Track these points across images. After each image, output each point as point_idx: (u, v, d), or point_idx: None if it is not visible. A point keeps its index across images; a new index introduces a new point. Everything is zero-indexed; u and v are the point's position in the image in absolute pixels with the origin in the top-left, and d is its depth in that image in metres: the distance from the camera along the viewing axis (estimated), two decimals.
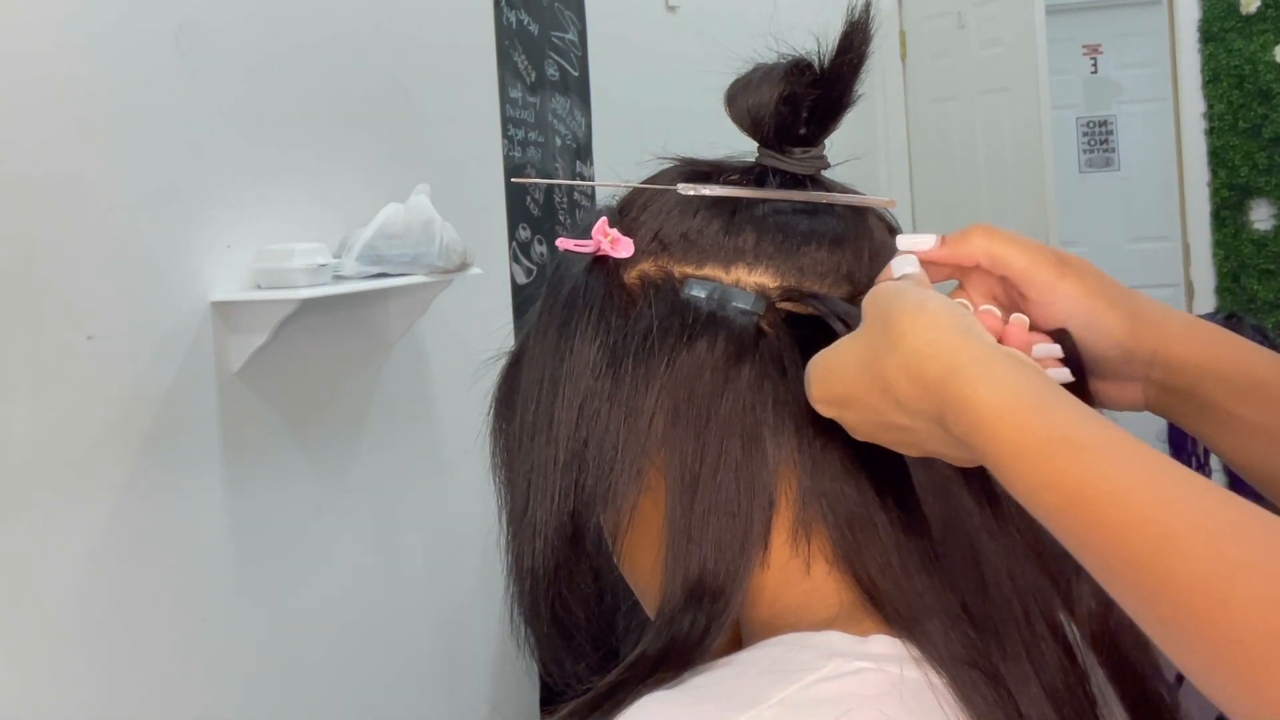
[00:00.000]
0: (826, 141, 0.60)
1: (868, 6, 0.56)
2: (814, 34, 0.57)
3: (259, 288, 1.46)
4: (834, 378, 0.50)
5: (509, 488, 0.59)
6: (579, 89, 2.47)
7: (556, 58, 2.38)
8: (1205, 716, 0.52)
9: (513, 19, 2.20)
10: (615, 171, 0.65)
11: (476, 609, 1.99)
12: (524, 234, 2.23)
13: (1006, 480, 0.44)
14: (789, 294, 0.56)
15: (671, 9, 2.85)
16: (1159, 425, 0.62)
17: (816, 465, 0.53)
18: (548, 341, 0.58)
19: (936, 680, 0.48)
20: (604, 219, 0.59)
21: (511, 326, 1.93)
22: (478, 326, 1.95)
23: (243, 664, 1.47)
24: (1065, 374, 0.53)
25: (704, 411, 0.53)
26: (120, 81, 1.32)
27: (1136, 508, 0.39)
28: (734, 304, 0.55)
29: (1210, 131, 4.15)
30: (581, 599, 0.57)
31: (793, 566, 0.54)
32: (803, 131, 0.58)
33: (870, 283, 0.56)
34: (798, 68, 0.57)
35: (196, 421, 1.41)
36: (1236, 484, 0.56)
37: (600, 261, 0.58)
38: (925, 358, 0.46)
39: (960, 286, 0.58)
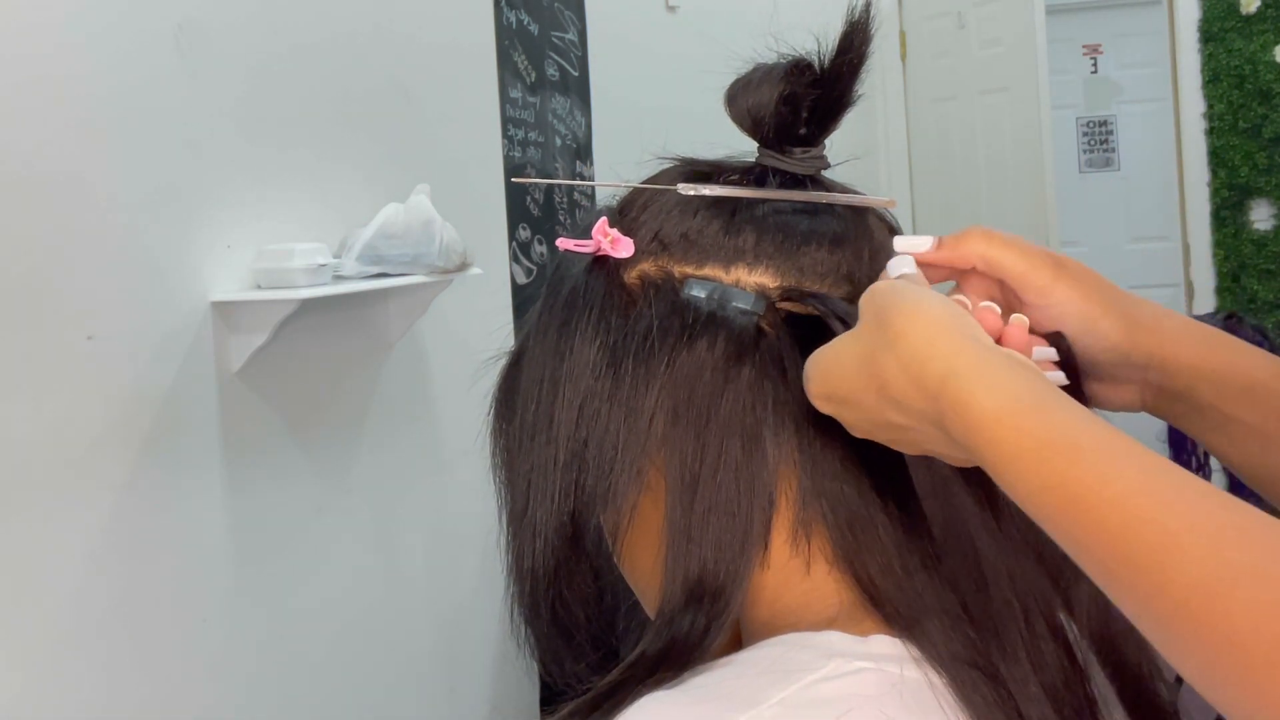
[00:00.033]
0: (826, 141, 0.60)
1: (868, 6, 0.56)
2: (814, 34, 0.57)
3: (259, 288, 1.46)
4: (832, 375, 0.50)
5: (509, 488, 0.59)
6: (579, 89, 2.47)
7: (556, 58, 2.38)
8: (1205, 718, 0.52)
9: (513, 19, 2.20)
10: (615, 171, 0.65)
11: (476, 609, 1.99)
12: (524, 234, 2.23)
13: (1004, 483, 0.44)
14: (789, 294, 0.56)
15: (671, 9, 2.85)
16: (1159, 425, 0.62)
17: (816, 465, 0.53)
18: (548, 341, 0.58)
19: (936, 680, 0.48)
20: (604, 219, 0.59)
21: (511, 326, 1.93)
22: (478, 326, 1.95)
23: (243, 664, 1.47)
24: (1060, 377, 0.53)
25: (704, 411, 0.53)
26: (120, 81, 1.32)
27: (1135, 510, 0.39)
28: (734, 304, 0.55)
29: (1210, 131, 4.15)
30: (581, 599, 0.57)
31: (793, 566, 0.54)
32: (803, 131, 0.58)
33: (870, 283, 0.56)
34: (798, 68, 0.57)
35: (196, 421, 1.41)
36: (1236, 484, 0.56)
37: (600, 261, 0.58)
38: (923, 359, 0.46)
39: (957, 287, 0.58)
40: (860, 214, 0.60)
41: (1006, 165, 3.89)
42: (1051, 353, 0.54)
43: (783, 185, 0.59)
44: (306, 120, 1.62)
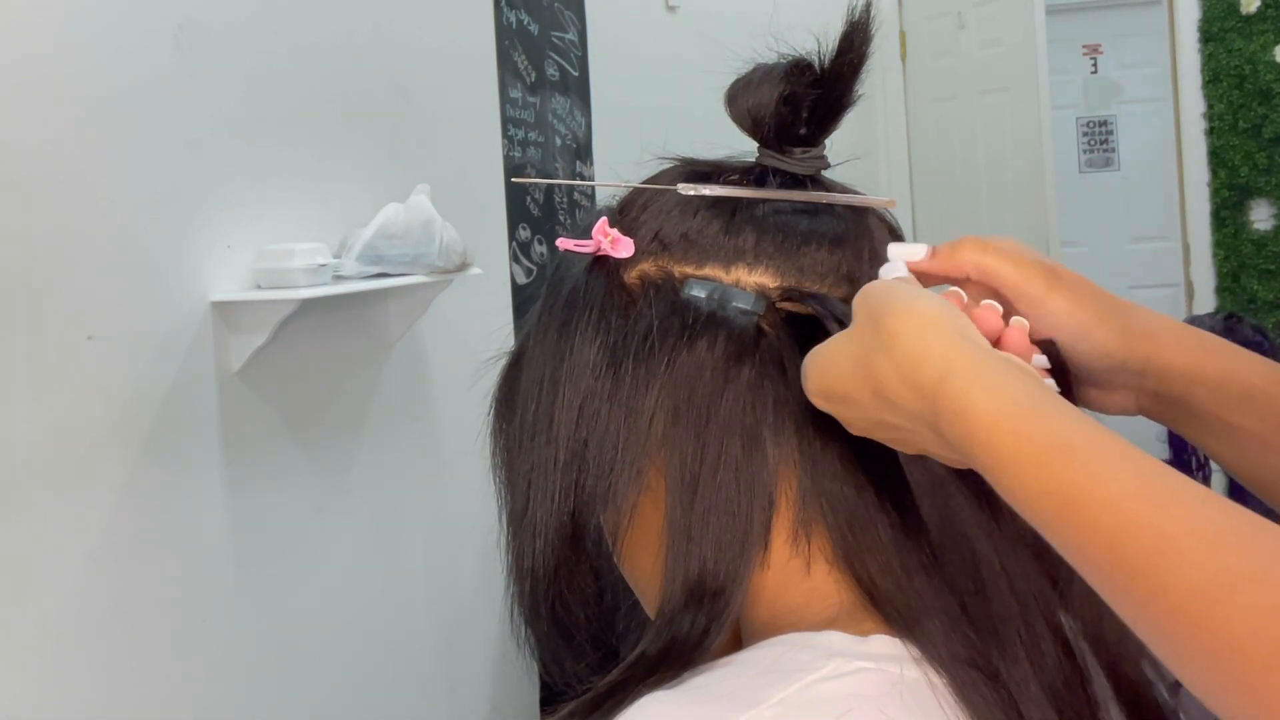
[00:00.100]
0: (826, 141, 0.60)
1: (868, 6, 0.56)
2: (814, 34, 0.57)
3: (259, 288, 1.46)
4: (829, 374, 0.50)
5: (509, 488, 0.59)
6: (579, 89, 2.47)
7: (556, 58, 2.38)
8: None
9: (513, 19, 2.20)
10: (615, 171, 0.65)
11: (476, 609, 1.99)
12: (524, 234, 2.23)
13: (1001, 486, 0.44)
14: (789, 294, 0.56)
15: (671, 9, 2.85)
16: (1158, 427, 0.62)
17: (816, 465, 0.53)
18: (548, 341, 0.58)
19: (936, 680, 0.48)
20: (604, 219, 0.59)
21: (511, 326, 1.93)
22: (478, 326, 1.95)
23: (242, 664, 1.47)
24: (1052, 385, 0.53)
25: (704, 411, 0.53)
26: (120, 81, 1.32)
27: (1131, 514, 0.39)
28: (734, 304, 0.55)
29: (1210, 131, 4.15)
30: (581, 599, 0.57)
31: (793, 566, 0.54)
32: (803, 131, 0.58)
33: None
34: (798, 68, 0.57)
35: (196, 421, 1.41)
36: (1237, 485, 0.56)
37: (600, 261, 0.58)
38: (917, 360, 0.46)
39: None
40: (860, 214, 0.60)
41: (1006, 165, 3.89)
42: (1042, 360, 0.54)
43: (783, 185, 0.59)
44: (306, 120, 1.62)
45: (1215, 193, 4.16)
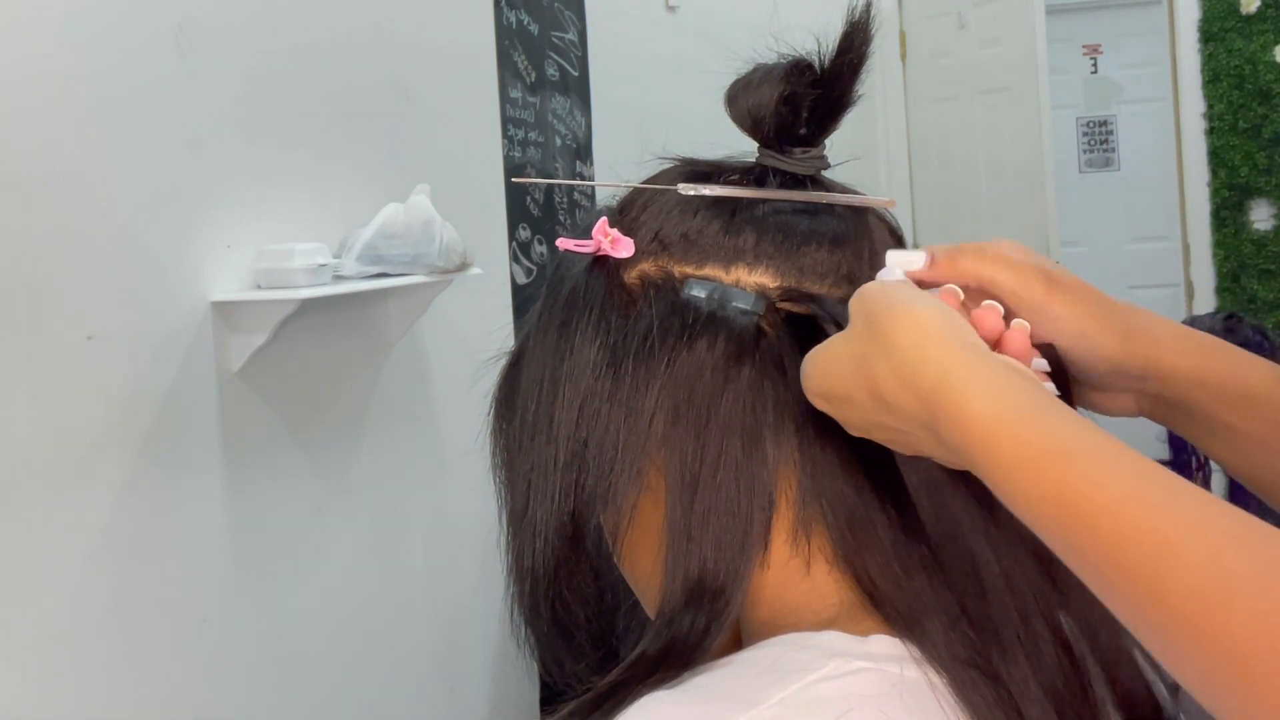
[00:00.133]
0: (826, 141, 0.60)
1: (868, 6, 0.56)
2: (814, 34, 0.57)
3: (259, 288, 1.46)
4: (829, 374, 0.50)
5: (509, 488, 0.59)
6: (579, 89, 2.47)
7: (556, 58, 2.38)
8: None
9: (513, 19, 2.20)
10: (615, 171, 0.65)
11: (476, 609, 1.99)
12: (524, 234, 2.23)
13: (999, 491, 0.44)
14: (789, 294, 0.56)
15: (671, 9, 2.85)
16: (1158, 427, 0.62)
17: (816, 465, 0.53)
18: (548, 341, 0.58)
19: (936, 680, 0.48)
20: (604, 219, 0.59)
21: (511, 326, 1.93)
22: (478, 326, 1.95)
23: (242, 664, 1.47)
24: (1051, 388, 0.53)
25: (704, 411, 0.53)
26: (120, 81, 1.32)
27: (1131, 518, 0.39)
28: (734, 304, 0.55)
29: (1210, 131, 4.15)
30: (581, 599, 0.57)
31: (793, 566, 0.54)
32: (803, 131, 0.58)
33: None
34: (798, 68, 0.57)
35: (196, 421, 1.41)
36: (1237, 485, 0.56)
37: (600, 261, 0.58)
38: (915, 365, 0.46)
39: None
40: (860, 214, 0.60)
41: (1006, 165, 3.89)
42: (1041, 364, 0.54)
43: (783, 185, 0.59)
44: (306, 120, 1.62)
45: (1215, 193, 4.16)
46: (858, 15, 0.56)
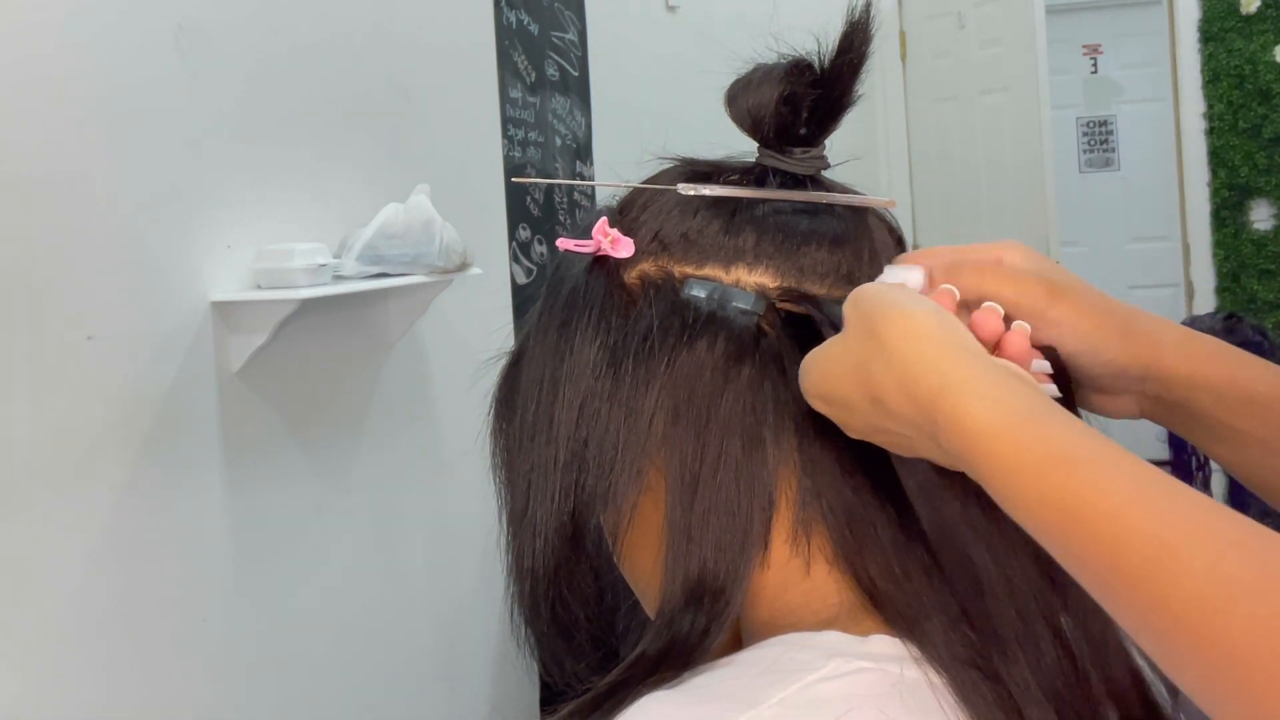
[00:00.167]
0: (826, 141, 0.60)
1: (868, 6, 0.56)
2: (814, 34, 0.57)
3: (259, 288, 1.46)
4: (828, 377, 0.51)
5: (509, 488, 0.59)
6: (579, 89, 2.47)
7: (556, 58, 2.38)
8: None
9: (513, 19, 2.20)
10: (615, 171, 0.65)
11: (476, 609, 1.99)
12: (524, 234, 2.23)
13: (1000, 497, 0.43)
14: (789, 294, 0.56)
15: (671, 9, 2.85)
16: (1159, 427, 0.63)
17: (816, 465, 0.53)
18: (548, 341, 0.58)
19: (936, 680, 0.48)
20: (604, 219, 0.59)
21: (511, 326, 1.93)
22: (478, 326, 1.95)
23: (242, 664, 1.47)
24: (1052, 389, 0.53)
25: (704, 411, 0.53)
26: (120, 81, 1.32)
27: (1131, 523, 0.39)
28: (734, 304, 0.55)
29: (1210, 131, 4.15)
30: (581, 599, 0.57)
31: (793, 566, 0.54)
32: (803, 131, 0.58)
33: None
34: (798, 68, 0.57)
35: (196, 421, 1.41)
36: (1237, 484, 0.56)
37: (600, 261, 0.58)
38: (915, 372, 0.46)
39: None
40: (860, 214, 0.60)
41: (1006, 165, 3.89)
42: (1044, 365, 0.54)
43: (783, 185, 0.59)
44: (306, 120, 1.62)
45: (1215, 193, 4.16)
46: (858, 15, 0.56)
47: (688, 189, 0.58)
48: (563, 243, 0.60)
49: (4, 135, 1.18)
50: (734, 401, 0.53)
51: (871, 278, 0.57)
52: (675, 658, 0.50)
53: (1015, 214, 3.80)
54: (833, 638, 0.49)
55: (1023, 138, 3.81)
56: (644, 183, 0.61)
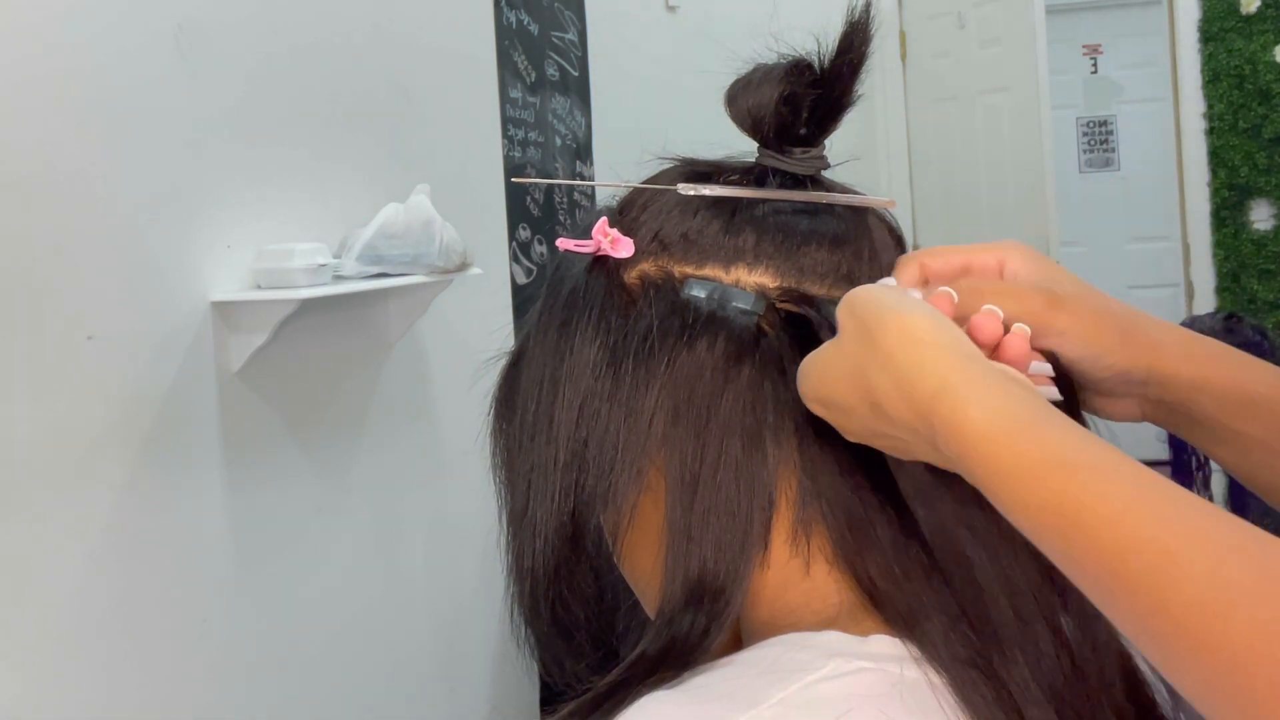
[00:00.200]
0: (826, 141, 0.60)
1: (868, 6, 0.56)
2: (814, 34, 0.57)
3: (259, 288, 1.46)
4: (826, 382, 0.50)
5: (509, 488, 0.59)
6: (579, 89, 2.47)
7: (556, 58, 2.38)
8: None
9: (513, 19, 2.20)
10: (615, 171, 0.65)
11: (476, 609, 1.99)
12: (524, 234, 2.23)
13: (998, 501, 0.43)
14: (789, 294, 0.56)
15: (671, 9, 2.85)
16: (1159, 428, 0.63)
17: (816, 466, 0.53)
18: (548, 341, 0.58)
19: (936, 680, 0.48)
20: (604, 219, 0.59)
21: (511, 326, 1.93)
22: (478, 326, 1.95)
23: (242, 664, 1.47)
24: (1054, 392, 0.53)
25: (704, 411, 0.53)
26: (120, 81, 1.32)
27: (1131, 528, 0.39)
28: (734, 304, 0.55)
29: (1210, 131, 4.15)
30: (581, 599, 0.57)
31: (793, 566, 0.54)
32: (803, 132, 0.58)
33: (869, 283, 0.57)
34: (798, 68, 0.57)
35: (196, 421, 1.41)
36: (1236, 485, 0.56)
37: (600, 261, 0.58)
38: (913, 377, 0.46)
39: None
40: (860, 214, 0.60)
41: (1006, 165, 3.89)
42: (1046, 367, 0.54)
43: (783, 185, 0.59)
44: (306, 120, 1.62)
45: (1215, 193, 4.16)
46: (857, 15, 0.56)
47: (688, 189, 0.58)
48: (563, 243, 0.60)
49: (4, 135, 1.18)
50: (734, 401, 0.53)
51: (872, 277, 0.57)
52: (675, 658, 0.50)
53: (1015, 214, 3.80)
54: (833, 638, 0.49)
55: (1023, 138, 3.81)
56: (644, 183, 0.61)
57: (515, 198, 2.18)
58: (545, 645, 0.58)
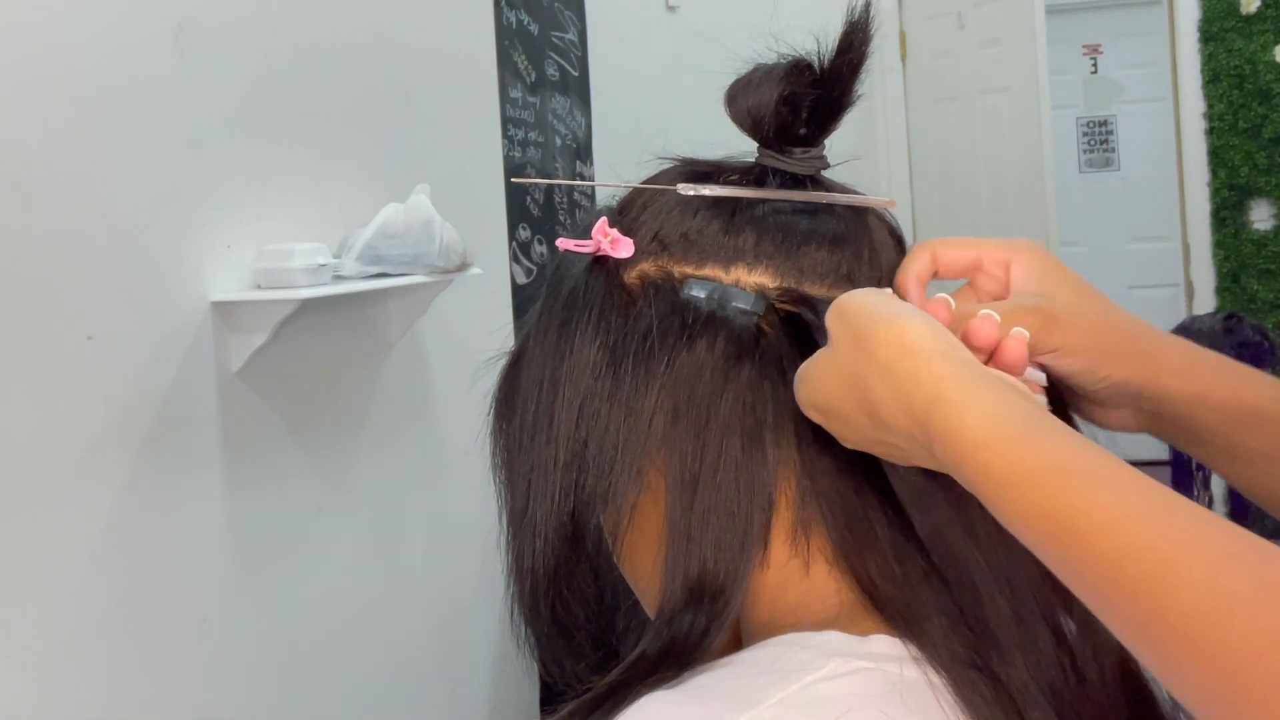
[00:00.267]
0: (826, 142, 0.60)
1: (868, 6, 0.56)
2: (814, 34, 0.57)
3: (259, 288, 1.46)
4: (821, 390, 0.50)
5: (509, 488, 0.59)
6: (579, 89, 2.47)
7: (556, 58, 2.38)
8: None
9: (513, 19, 2.20)
10: (615, 171, 0.65)
11: (476, 609, 1.99)
12: (524, 234, 2.23)
13: (995, 509, 0.43)
14: (788, 295, 0.56)
15: (671, 9, 2.85)
16: None
17: (816, 466, 0.53)
18: (548, 341, 0.58)
19: (936, 680, 0.48)
20: (604, 219, 0.59)
21: (511, 326, 1.93)
22: (478, 326, 1.95)
23: (242, 664, 1.47)
24: (1045, 401, 0.53)
25: (704, 411, 0.53)
26: (120, 81, 1.32)
27: (1129, 536, 0.39)
28: (734, 304, 0.55)
29: (1210, 131, 4.15)
30: (581, 599, 0.57)
31: (792, 566, 0.54)
32: (803, 131, 0.58)
33: (869, 284, 0.57)
34: (798, 68, 0.57)
35: (196, 421, 1.41)
36: (1234, 492, 0.56)
37: (600, 261, 0.58)
38: (909, 385, 0.46)
39: (970, 284, 0.58)
40: (860, 214, 0.60)
41: (1006, 165, 3.89)
42: (1042, 375, 0.54)
43: (783, 185, 0.59)
44: (306, 120, 1.62)
45: (1215, 193, 4.16)
46: (857, 15, 0.56)
47: (688, 189, 0.58)
48: (563, 243, 0.60)
49: (4, 135, 1.18)
50: (734, 401, 0.53)
51: (871, 277, 0.57)
52: (675, 658, 0.50)
53: (1015, 214, 3.80)
54: (832, 638, 0.49)
55: (1023, 138, 3.81)
56: (644, 183, 0.61)
57: (515, 198, 2.18)
58: (545, 645, 0.58)
